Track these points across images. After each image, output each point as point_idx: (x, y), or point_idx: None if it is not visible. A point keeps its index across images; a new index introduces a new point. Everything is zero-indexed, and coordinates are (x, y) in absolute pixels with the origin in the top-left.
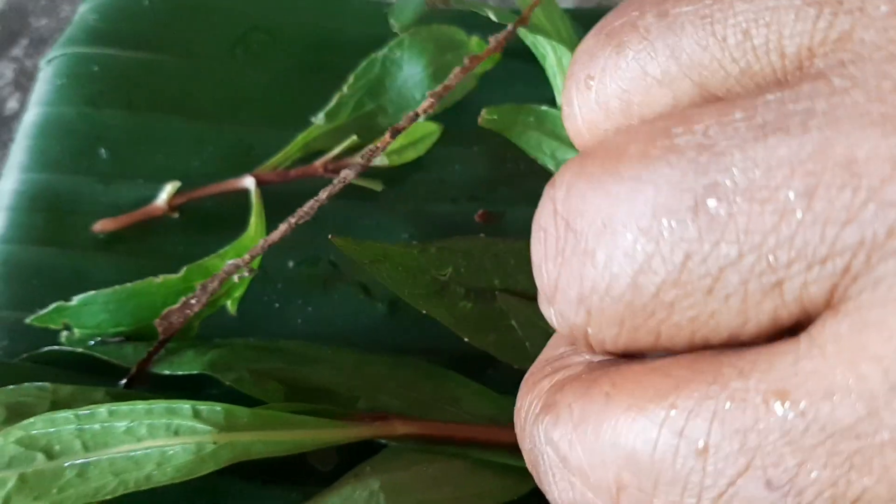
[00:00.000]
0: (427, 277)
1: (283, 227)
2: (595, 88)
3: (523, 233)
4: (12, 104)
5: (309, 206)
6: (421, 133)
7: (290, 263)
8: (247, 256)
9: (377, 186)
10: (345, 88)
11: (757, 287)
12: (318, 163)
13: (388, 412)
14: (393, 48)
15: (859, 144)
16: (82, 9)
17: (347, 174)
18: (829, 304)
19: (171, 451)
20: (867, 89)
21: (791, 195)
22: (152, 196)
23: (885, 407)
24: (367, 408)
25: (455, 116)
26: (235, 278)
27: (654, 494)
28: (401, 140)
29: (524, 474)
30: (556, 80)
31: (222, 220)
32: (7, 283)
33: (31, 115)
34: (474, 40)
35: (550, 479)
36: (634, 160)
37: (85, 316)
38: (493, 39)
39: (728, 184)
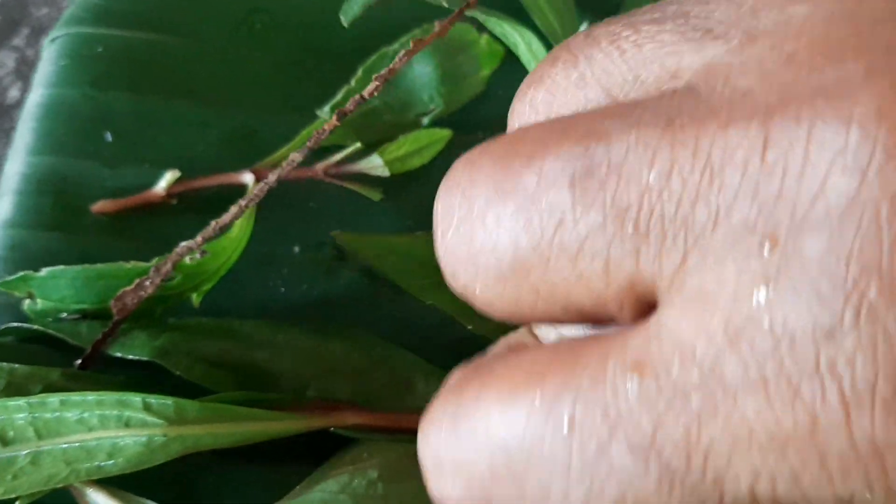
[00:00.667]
0: (431, 267)
1: (233, 209)
2: (530, 94)
3: None
4: (14, 93)
5: (259, 189)
6: (427, 140)
7: (296, 249)
8: (199, 239)
9: (376, 196)
10: (352, 82)
11: (618, 251)
12: (319, 166)
13: (339, 400)
14: (404, 44)
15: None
16: None
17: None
18: (677, 274)
19: (122, 443)
20: (720, 97)
21: (652, 176)
22: (157, 181)
23: (724, 363)
24: (317, 395)
25: (462, 118)
26: (188, 259)
27: (525, 481)
28: (406, 147)
29: None
30: (531, 67)
31: (223, 209)
32: (14, 266)
33: (36, 97)
34: (485, 39)
35: (431, 476)
36: (531, 142)
37: (50, 288)
38: (438, 24)
39: (603, 164)
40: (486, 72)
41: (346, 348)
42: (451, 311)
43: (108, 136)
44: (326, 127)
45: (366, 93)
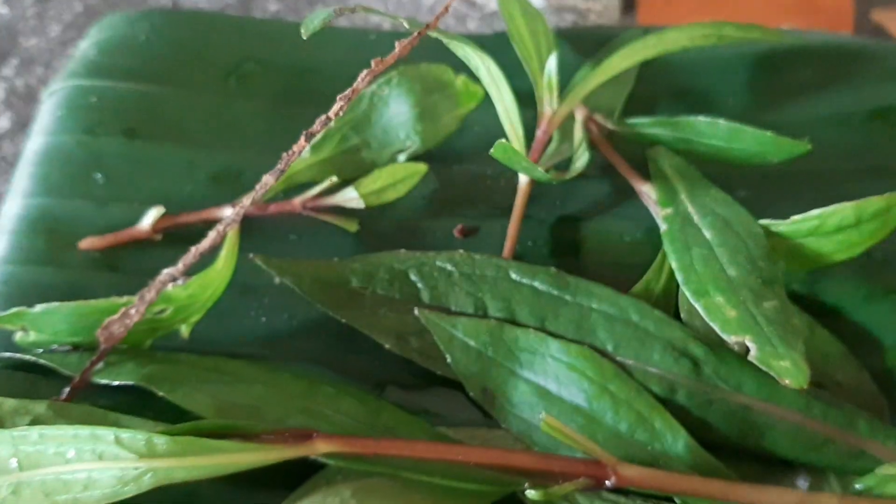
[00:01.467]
0: (344, 289)
1: (212, 234)
2: None
3: (499, 243)
4: (3, 123)
5: (235, 213)
6: (403, 174)
7: (276, 280)
8: (180, 265)
9: (352, 227)
10: (332, 123)
11: None
12: (297, 200)
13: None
14: (382, 85)
15: None
16: (83, 45)
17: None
18: None
19: (97, 476)
20: None
21: None
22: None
23: None
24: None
25: (438, 152)
26: (170, 287)
27: None
28: (381, 181)
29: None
30: (491, 89)
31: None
32: (7, 301)
33: (33, 144)
34: (461, 79)
35: None
36: None
37: (44, 324)
38: (399, 44)
39: None
40: (462, 110)
41: (333, 394)
42: (365, 329)
43: (100, 178)
44: (295, 149)
45: (331, 113)
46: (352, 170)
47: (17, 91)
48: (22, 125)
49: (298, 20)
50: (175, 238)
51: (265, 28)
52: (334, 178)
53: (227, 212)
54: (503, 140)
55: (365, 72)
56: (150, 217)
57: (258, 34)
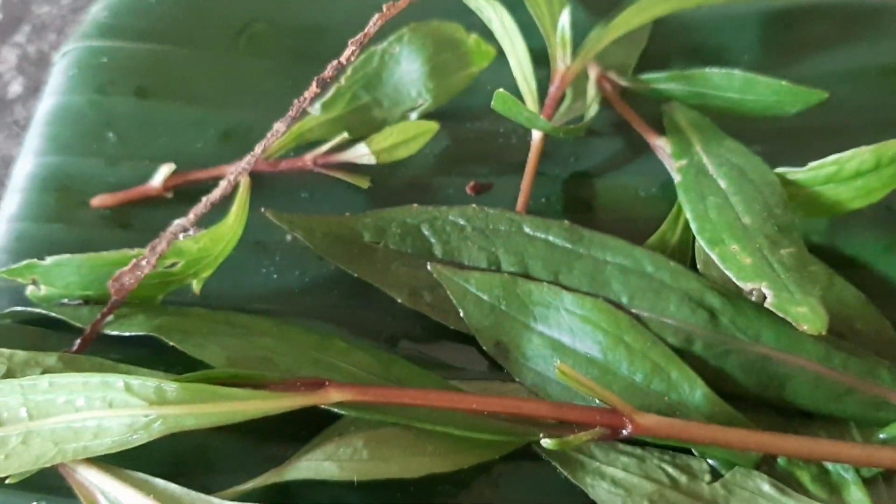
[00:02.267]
0: (356, 244)
1: (223, 183)
2: None
3: (512, 200)
4: (15, 88)
5: (247, 161)
6: (414, 132)
7: (288, 237)
8: (191, 216)
9: (364, 183)
10: (342, 80)
11: None
12: (308, 157)
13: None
14: (392, 43)
15: None
16: (94, 8)
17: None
18: None
19: (107, 423)
20: None
21: None
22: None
23: None
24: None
25: (450, 110)
26: (181, 237)
27: None
28: (392, 138)
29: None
30: (504, 42)
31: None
32: (20, 257)
33: (45, 105)
34: (473, 38)
35: None
36: None
37: (55, 276)
38: (386, 7)
39: None
40: (474, 69)
41: (345, 349)
42: (378, 283)
43: (111, 136)
44: (307, 94)
45: (342, 58)
46: (363, 128)
47: (29, 57)
48: (34, 90)
49: None
50: (186, 195)
51: None
52: (345, 135)
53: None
54: (502, 90)
55: (377, 16)
56: (161, 174)
57: None
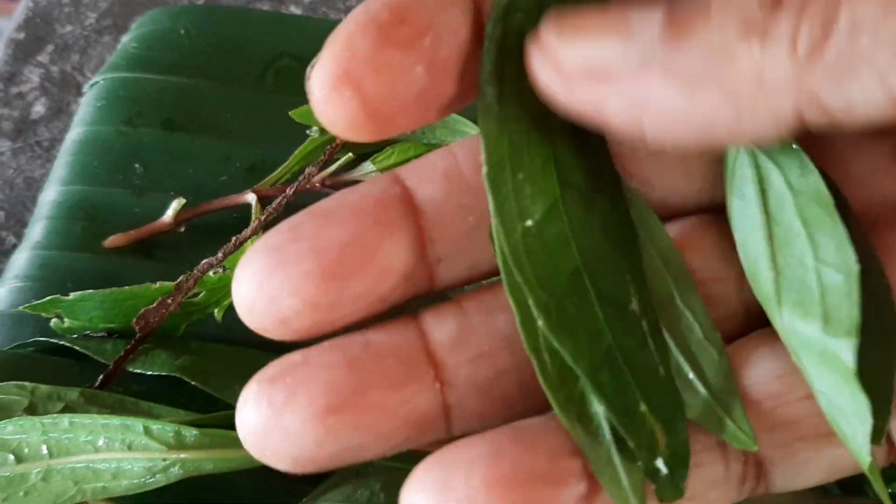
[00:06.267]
0: None
1: (253, 224)
2: None
3: None
4: (38, 108)
5: (277, 203)
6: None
7: None
8: (220, 255)
9: None
10: None
11: None
12: (316, 178)
13: None
14: None
15: None
16: (124, 39)
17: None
18: None
19: (126, 466)
20: None
21: None
22: (184, 207)
23: None
24: None
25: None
26: (211, 273)
27: None
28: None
29: None
30: None
31: (236, 231)
32: (44, 285)
33: (73, 134)
34: None
35: None
36: None
37: (79, 310)
38: None
39: None
40: None
41: None
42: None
43: (138, 168)
44: (338, 142)
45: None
46: (366, 145)
47: (52, 77)
48: (57, 111)
49: (333, 14)
50: (206, 226)
51: (301, 24)
52: (349, 155)
53: (249, 196)
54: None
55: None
56: (172, 209)
57: (294, 30)
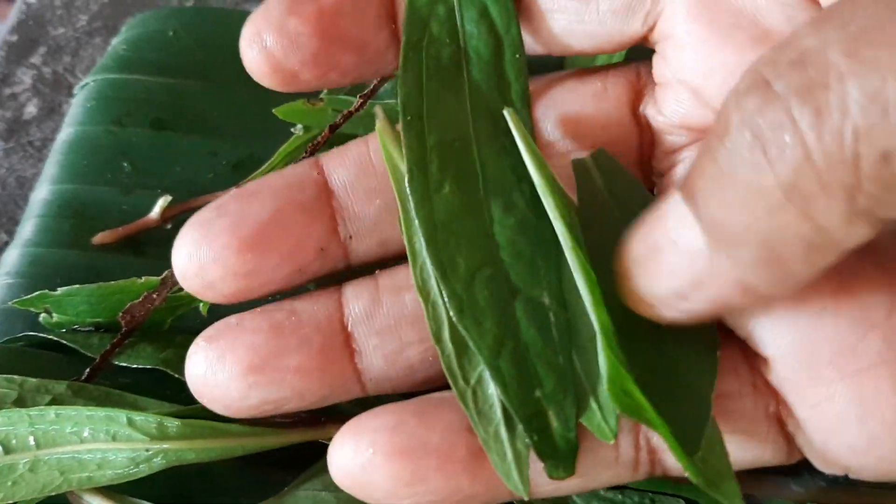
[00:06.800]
0: None
1: None
2: None
3: None
4: (30, 109)
5: None
6: None
7: None
8: None
9: None
10: (324, 99)
11: None
12: None
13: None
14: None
15: None
16: (114, 41)
17: None
18: None
19: (111, 456)
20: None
21: None
22: (170, 204)
23: None
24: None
25: None
26: None
27: None
28: None
29: None
30: None
31: None
32: (33, 281)
33: (64, 134)
34: None
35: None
36: None
37: (67, 305)
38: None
39: None
40: None
41: None
42: None
43: (126, 166)
44: (320, 138)
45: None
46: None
47: (44, 78)
48: (49, 111)
49: None
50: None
51: None
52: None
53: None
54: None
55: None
56: (158, 207)
57: None
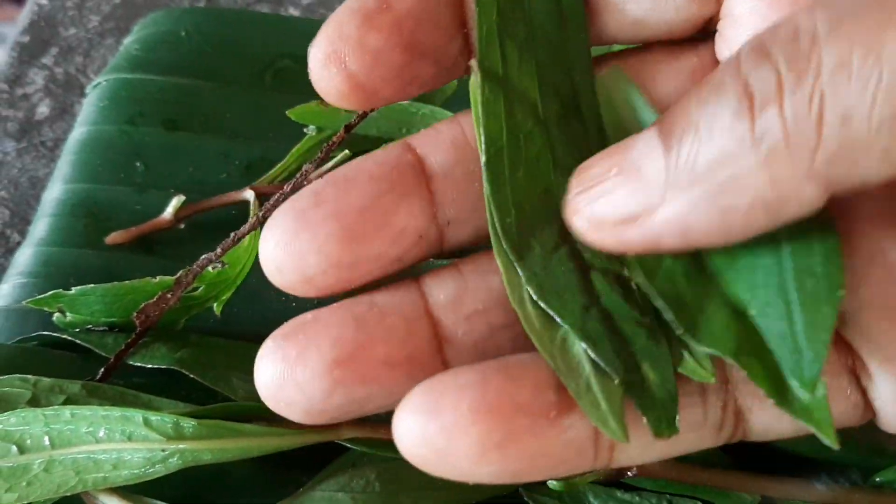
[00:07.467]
0: None
1: (251, 221)
2: None
3: None
4: (42, 109)
5: (275, 200)
6: None
7: None
8: (218, 250)
9: None
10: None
11: None
12: (313, 176)
13: None
14: None
15: None
16: (127, 41)
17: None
18: None
19: (126, 456)
20: None
21: None
22: (183, 204)
23: None
24: None
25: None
26: (210, 268)
27: None
28: None
29: None
30: None
31: (234, 227)
32: (47, 280)
33: (77, 134)
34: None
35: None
36: None
37: (80, 305)
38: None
39: None
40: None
41: None
42: None
43: (139, 166)
44: (335, 139)
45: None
46: (364, 144)
47: (56, 79)
48: (61, 112)
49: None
50: (205, 222)
51: (299, 25)
52: (346, 152)
53: (247, 194)
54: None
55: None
56: (172, 207)
57: (293, 31)
